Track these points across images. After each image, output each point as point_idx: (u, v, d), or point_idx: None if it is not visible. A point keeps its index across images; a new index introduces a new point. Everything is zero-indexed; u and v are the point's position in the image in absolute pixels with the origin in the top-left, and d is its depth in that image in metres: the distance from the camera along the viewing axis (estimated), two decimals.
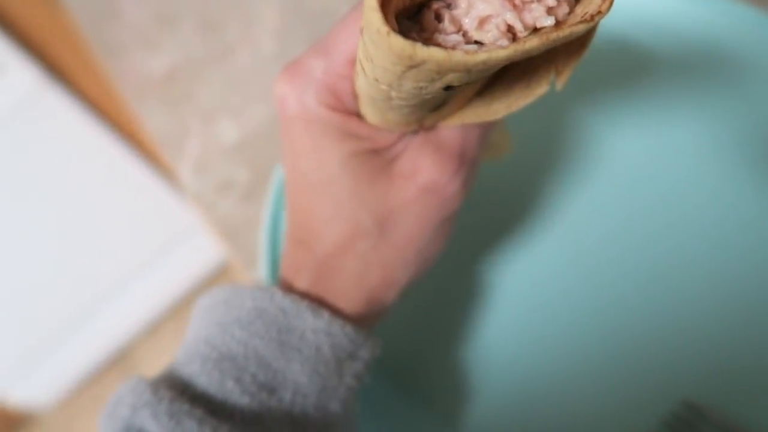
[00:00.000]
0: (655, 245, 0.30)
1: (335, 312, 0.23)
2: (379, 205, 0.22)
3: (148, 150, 0.98)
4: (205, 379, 0.21)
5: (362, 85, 0.20)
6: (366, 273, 0.23)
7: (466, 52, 0.14)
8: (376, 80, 0.17)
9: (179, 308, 1.35)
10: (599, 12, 0.15)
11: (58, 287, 1.09)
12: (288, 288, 0.23)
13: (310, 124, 0.21)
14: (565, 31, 0.15)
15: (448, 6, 0.17)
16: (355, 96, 0.22)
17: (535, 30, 0.16)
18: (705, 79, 0.32)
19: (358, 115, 0.22)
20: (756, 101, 0.32)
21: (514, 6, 0.15)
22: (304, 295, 0.23)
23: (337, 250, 0.22)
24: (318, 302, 0.23)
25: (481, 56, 0.14)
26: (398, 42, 0.14)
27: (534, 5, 0.15)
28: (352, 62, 0.20)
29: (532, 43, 0.14)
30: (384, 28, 0.14)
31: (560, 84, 0.18)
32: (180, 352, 0.23)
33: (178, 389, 0.21)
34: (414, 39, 0.16)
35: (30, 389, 1.20)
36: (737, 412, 0.27)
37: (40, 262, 1.04)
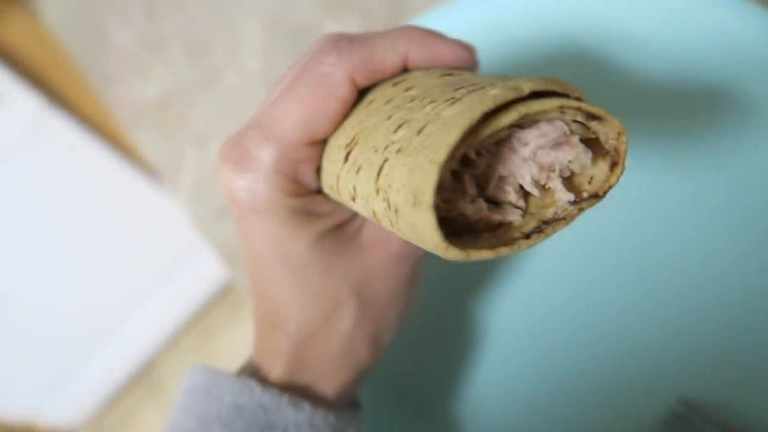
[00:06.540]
0: (644, 251, 0.30)
1: (317, 399, 0.22)
2: (355, 278, 0.21)
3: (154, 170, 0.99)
4: None
5: (333, 190, 0.20)
6: (353, 348, 0.22)
7: (510, 247, 0.16)
8: (379, 218, 0.17)
9: (198, 319, 1.36)
10: (597, 194, 0.17)
11: (79, 307, 1.11)
12: (265, 375, 0.23)
13: (270, 216, 0.20)
14: (549, 231, 0.17)
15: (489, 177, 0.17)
16: (314, 173, 0.21)
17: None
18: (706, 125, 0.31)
19: (319, 191, 0.22)
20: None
21: (538, 182, 0.17)
22: (283, 386, 0.22)
23: (317, 330, 0.22)
24: (299, 391, 0.22)
25: (524, 244, 0.16)
26: (456, 253, 0.15)
27: (556, 182, 0.17)
28: (305, 144, 0.20)
29: (528, 243, 0.16)
30: (443, 244, 0.15)
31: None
32: None
33: None
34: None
35: (59, 409, 1.22)
36: (733, 408, 0.27)
37: (60, 285, 1.05)
